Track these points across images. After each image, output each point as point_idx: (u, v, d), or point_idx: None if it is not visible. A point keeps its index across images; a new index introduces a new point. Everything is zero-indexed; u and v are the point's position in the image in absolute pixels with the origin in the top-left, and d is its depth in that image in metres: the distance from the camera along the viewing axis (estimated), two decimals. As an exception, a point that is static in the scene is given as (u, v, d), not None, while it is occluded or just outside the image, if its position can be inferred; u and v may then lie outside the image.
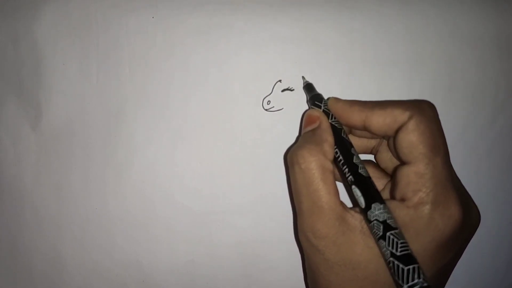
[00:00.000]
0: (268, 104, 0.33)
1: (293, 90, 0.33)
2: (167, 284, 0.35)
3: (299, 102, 0.33)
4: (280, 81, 0.33)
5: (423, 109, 0.25)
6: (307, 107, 0.33)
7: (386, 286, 0.24)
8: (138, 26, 0.33)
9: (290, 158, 0.26)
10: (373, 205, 0.23)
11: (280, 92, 0.33)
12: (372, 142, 0.30)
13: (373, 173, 0.29)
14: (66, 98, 0.34)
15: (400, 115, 0.24)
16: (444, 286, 0.27)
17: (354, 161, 0.25)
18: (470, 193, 0.27)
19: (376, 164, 0.30)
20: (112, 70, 0.34)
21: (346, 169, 0.25)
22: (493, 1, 0.33)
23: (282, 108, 0.33)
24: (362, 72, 0.33)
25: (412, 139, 0.24)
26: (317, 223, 0.24)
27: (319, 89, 0.32)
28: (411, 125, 0.24)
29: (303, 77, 0.32)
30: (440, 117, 0.26)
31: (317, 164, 0.25)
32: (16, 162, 0.35)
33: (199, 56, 0.33)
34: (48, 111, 0.34)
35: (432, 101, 0.26)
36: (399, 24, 0.33)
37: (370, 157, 0.31)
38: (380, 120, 0.25)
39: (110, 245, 0.34)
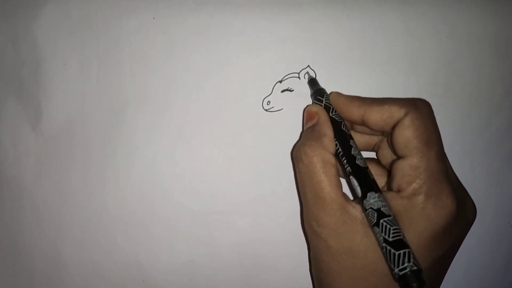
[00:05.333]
0: (268, 104, 0.33)
1: (293, 90, 0.33)
2: (167, 284, 0.35)
3: (299, 103, 0.33)
4: (280, 81, 0.33)
5: (418, 106, 0.26)
6: (306, 108, 0.33)
7: (383, 276, 0.24)
8: (138, 27, 0.33)
9: (294, 155, 0.28)
10: (368, 194, 0.24)
11: (280, 93, 0.33)
12: (374, 139, 0.30)
13: (374, 171, 0.29)
14: (66, 98, 0.34)
15: (397, 112, 0.26)
16: (442, 279, 0.28)
17: (352, 152, 0.26)
18: (466, 193, 0.28)
19: (377, 161, 0.31)
20: (113, 70, 0.34)
21: (345, 160, 0.26)
22: (492, 2, 0.33)
23: (282, 109, 0.33)
24: (361, 72, 0.33)
25: (407, 134, 0.25)
26: (320, 213, 0.25)
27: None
28: (407, 121, 0.25)
29: (307, 73, 0.33)
30: (437, 118, 0.27)
31: (318, 159, 0.26)
32: (16, 162, 0.34)
33: (199, 57, 0.33)
34: (48, 111, 0.34)
35: (429, 101, 0.27)
36: (398, 25, 0.33)
37: (373, 154, 0.32)
38: (378, 116, 0.26)
39: (110, 245, 0.34)
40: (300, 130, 0.33)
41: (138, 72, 0.33)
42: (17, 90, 0.34)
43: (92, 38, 0.34)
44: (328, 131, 0.27)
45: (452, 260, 0.27)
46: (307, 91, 0.33)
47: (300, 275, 0.34)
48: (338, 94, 0.29)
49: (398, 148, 0.26)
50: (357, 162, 0.26)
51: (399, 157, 0.26)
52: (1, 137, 0.35)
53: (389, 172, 0.29)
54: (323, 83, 0.32)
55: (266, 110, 0.33)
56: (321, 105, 0.29)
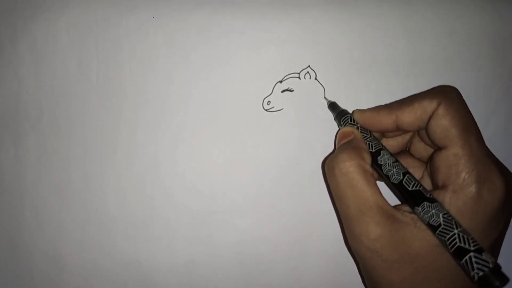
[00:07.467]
0: (268, 104, 0.33)
1: (293, 91, 0.33)
2: (167, 284, 0.35)
3: (299, 103, 0.33)
4: (280, 81, 0.33)
5: (448, 94, 0.25)
6: (306, 108, 0.33)
7: (444, 269, 0.24)
8: (138, 25, 0.33)
9: (329, 164, 0.26)
10: (424, 205, 0.24)
11: (280, 93, 0.33)
12: (406, 137, 0.30)
13: (411, 163, 0.29)
14: (66, 98, 0.34)
15: (429, 105, 0.25)
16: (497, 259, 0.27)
17: (393, 165, 0.26)
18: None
19: (411, 154, 0.31)
20: (112, 69, 0.34)
21: (392, 175, 0.26)
22: (491, 4, 0.33)
23: (282, 109, 0.33)
24: (361, 72, 0.33)
25: (444, 123, 0.24)
26: (369, 225, 0.24)
27: (318, 88, 0.32)
28: (441, 110, 0.25)
29: (325, 98, 0.33)
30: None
31: (358, 167, 0.25)
32: (16, 162, 0.34)
33: (199, 56, 0.33)
34: (48, 111, 0.34)
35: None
36: (397, 25, 0.33)
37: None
38: (412, 116, 0.26)
39: (110, 245, 0.34)
40: (300, 129, 0.33)
41: (138, 71, 0.33)
42: (16, 90, 0.34)
43: (92, 37, 0.33)
44: (365, 146, 0.27)
45: (504, 237, 0.27)
46: (307, 91, 0.33)
47: (300, 275, 0.34)
48: (361, 110, 0.28)
49: (437, 138, 0.25)
50: (404, 181, 0.25)
51: (438, 148, 0.25)
52: (2, 136, 0.34)
53: (423, 162, 0.29)
54: (323, 83, 0.32)
55: (266, 110, 0.33)
56: (355, 127, 0.29)
